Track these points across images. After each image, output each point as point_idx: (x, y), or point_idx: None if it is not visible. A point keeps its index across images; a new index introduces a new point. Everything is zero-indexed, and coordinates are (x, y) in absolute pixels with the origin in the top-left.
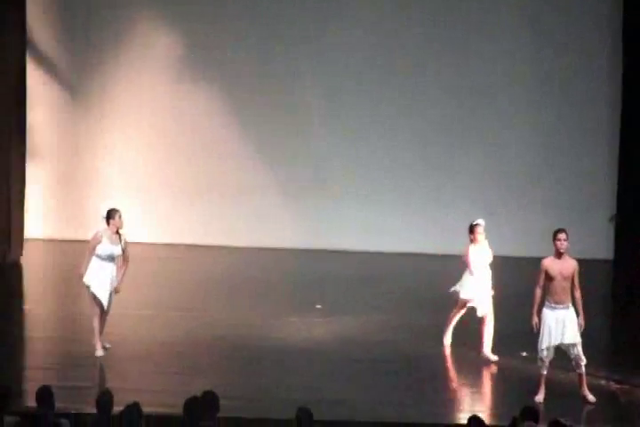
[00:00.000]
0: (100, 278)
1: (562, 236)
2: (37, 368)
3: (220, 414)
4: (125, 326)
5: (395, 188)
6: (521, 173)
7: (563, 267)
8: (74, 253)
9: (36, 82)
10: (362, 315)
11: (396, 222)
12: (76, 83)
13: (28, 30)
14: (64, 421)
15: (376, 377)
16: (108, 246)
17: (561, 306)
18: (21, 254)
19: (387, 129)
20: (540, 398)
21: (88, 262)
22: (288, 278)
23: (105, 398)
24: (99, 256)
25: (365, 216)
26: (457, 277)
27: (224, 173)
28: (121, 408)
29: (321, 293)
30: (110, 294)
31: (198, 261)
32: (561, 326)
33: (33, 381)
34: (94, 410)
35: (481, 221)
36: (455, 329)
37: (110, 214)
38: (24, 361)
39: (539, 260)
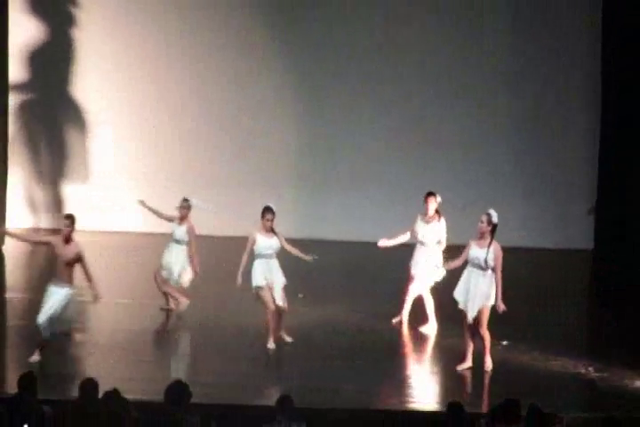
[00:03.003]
0: (264, 276)
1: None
2: (19, 356)
3: (201, 401)
4: (105, 314)
5: (375, 178)
6: (501, 163)
7: None
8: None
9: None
10: (344, 304)
11: (377, 212)
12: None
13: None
14: (46, 408)
15: (358, 365)
16: (263, 240)
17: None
18: (3, 243)
19: (366, 119)
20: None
21: (244, 263)
22: None
23: (88, 385)
24: (259, 255)
25: (347, 206)
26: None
27: (204, 164)
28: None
29: (304, 282)
30: (280, 290)
31: None
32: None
33: (15, 368)
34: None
35: (435, 193)
36: (442, 320)
37: (262, 213)
38: (5, 349)
39: (518, 250)
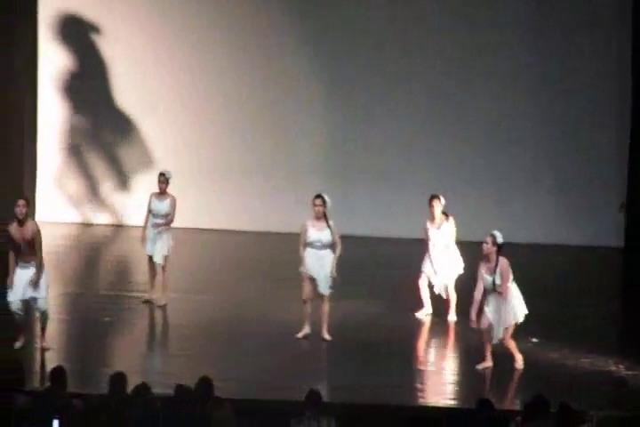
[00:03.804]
0: (309, 264)
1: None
2: (50, 350)
3: (227, 396)
4: (134, 309)
5: (403, 174)
6: (532, 159)
7: None
8: (90, 236)
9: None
10: (367, 299)
11: (406, 207)
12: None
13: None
14: (77, 401)
15: (381, 361)
16: (312, 232)
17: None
18: None
19: (395, 113)
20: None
21: (302, 255)
22: (296, 263)
23: (118, 379)
24: (309, 244)
25: (373, 201)
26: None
27: (228, 157)
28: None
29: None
30: (325, 280)
31: (205, 245)
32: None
33: (45, 362)
34: (105, 391)
35: (439, 196)
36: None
37: (312, 200)
38: (34, 343)
39: (547, 247)
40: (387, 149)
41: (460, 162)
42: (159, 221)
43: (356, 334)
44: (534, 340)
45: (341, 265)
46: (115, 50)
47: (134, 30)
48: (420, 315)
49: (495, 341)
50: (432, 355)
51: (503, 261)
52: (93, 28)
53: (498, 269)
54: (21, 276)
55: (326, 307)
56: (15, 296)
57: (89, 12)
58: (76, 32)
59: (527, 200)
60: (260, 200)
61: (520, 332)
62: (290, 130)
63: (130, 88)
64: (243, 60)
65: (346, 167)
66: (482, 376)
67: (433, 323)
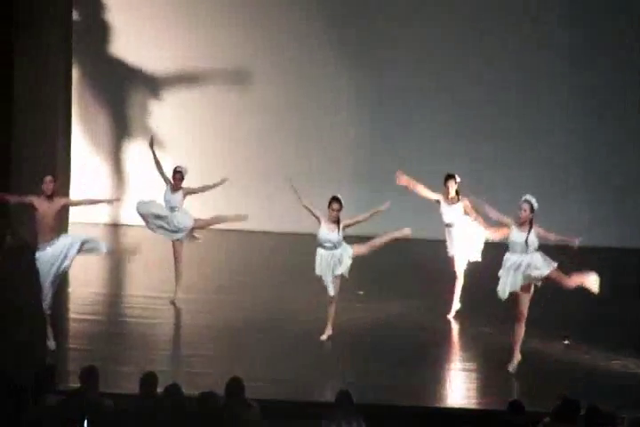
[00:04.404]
0: (320, 266)
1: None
2: (80, 350)
3: (257, 397)
4: (163, 309)
5: (430, 174)
6: (563, 161)
7: None
8: (116, 237)
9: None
10: (397, 300)
11: (432, 210)
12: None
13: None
14: (108, 401)
15: (411, 362)
16: (323, 233)
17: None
18: None
19: (425, 113)
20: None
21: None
22: None
23: (149, 379)
24: (319, 244)
25: (402, 204)
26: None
27: (250, 159)
28: (160, 390)
29: (362, 279)
30: (332, 280)
31: (233, 246)
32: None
33: (75, 362)
34: (136, 392)
35: (454, 175)
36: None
37: (329, 202)
38: (67, 342)
39: (580, 248)
40: (416, 152)
41: (491, 165)
42: (175, 213)
43: (385, 334)
44: (566, 341)
45: (371, 267)
46: (143, 56)
47: (159, 36)
48: (450, 316)
49: (503, 294)
50: (462, 356)
51: (539, 229)
52: (125, 35)
53: (532, 230)
54: (46, 259)
55: (333, 308)
56: (46, 291)
57: (122, 19)
58: (110, 39)
59: (558, 202)
60: (287, 202)
61: (552, 333)
62: (317, 134)
63: (160, 92)
64: (274, 67)
65: (374, 170)
66: (512, 377)
67: (463, 324)
